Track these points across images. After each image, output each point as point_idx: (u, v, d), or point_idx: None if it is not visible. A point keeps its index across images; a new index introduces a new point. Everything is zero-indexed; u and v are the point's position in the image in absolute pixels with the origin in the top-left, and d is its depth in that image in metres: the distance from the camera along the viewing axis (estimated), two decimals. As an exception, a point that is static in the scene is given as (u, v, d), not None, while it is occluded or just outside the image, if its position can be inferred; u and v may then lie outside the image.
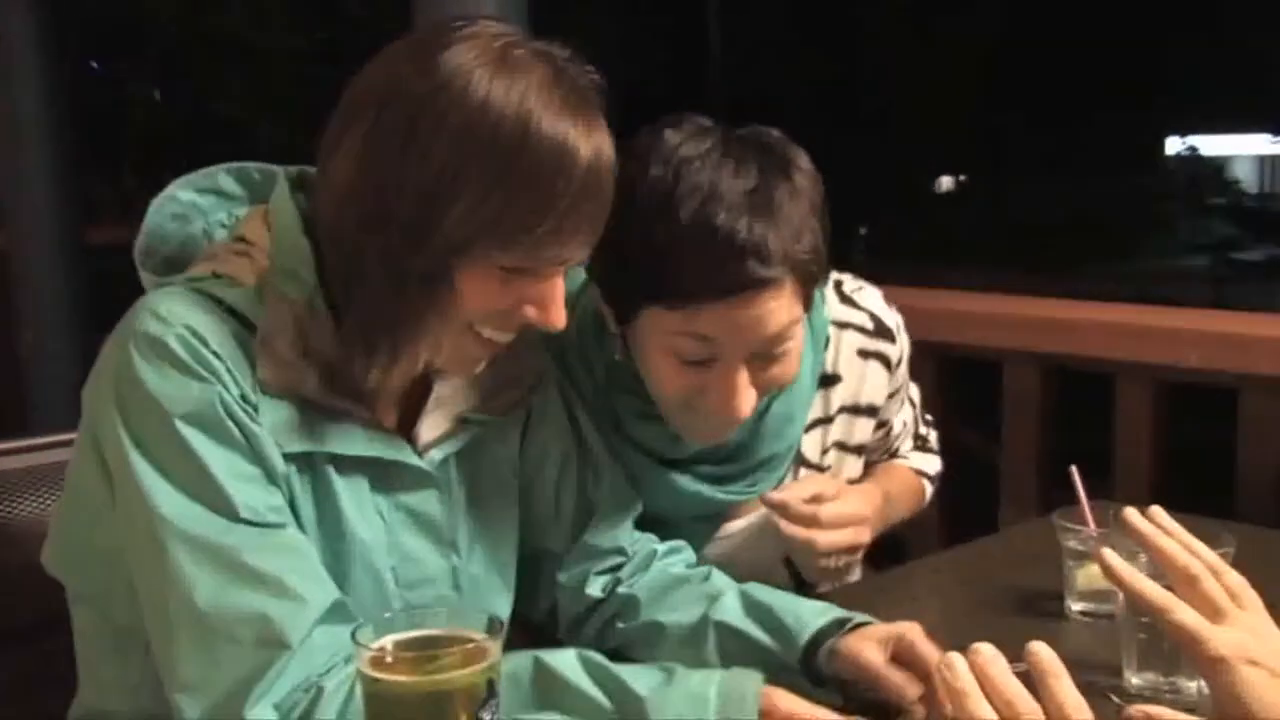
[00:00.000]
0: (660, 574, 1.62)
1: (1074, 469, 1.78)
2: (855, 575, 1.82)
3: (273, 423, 1.29)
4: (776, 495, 1.64)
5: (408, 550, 1.40)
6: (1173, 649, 1.45)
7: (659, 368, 1.56)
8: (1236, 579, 1.24)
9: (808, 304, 1.57)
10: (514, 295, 1.31)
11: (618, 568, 1.62)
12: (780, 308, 1.50)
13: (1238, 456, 2.35)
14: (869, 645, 1.41)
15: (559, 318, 1.34)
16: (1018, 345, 2.60)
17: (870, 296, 1.89)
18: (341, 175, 1.28)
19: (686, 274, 1.46)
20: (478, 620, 1.15)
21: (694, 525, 1.76)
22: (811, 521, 1.62)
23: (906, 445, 2.07)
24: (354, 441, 1.34)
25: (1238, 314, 2.51)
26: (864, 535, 1.67)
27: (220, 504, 1.24)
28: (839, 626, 1.46)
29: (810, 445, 1.82)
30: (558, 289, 1.34)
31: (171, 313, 1.26)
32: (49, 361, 4.62)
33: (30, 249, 4.94)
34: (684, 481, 1.72)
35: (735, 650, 1.48)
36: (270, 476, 1.28)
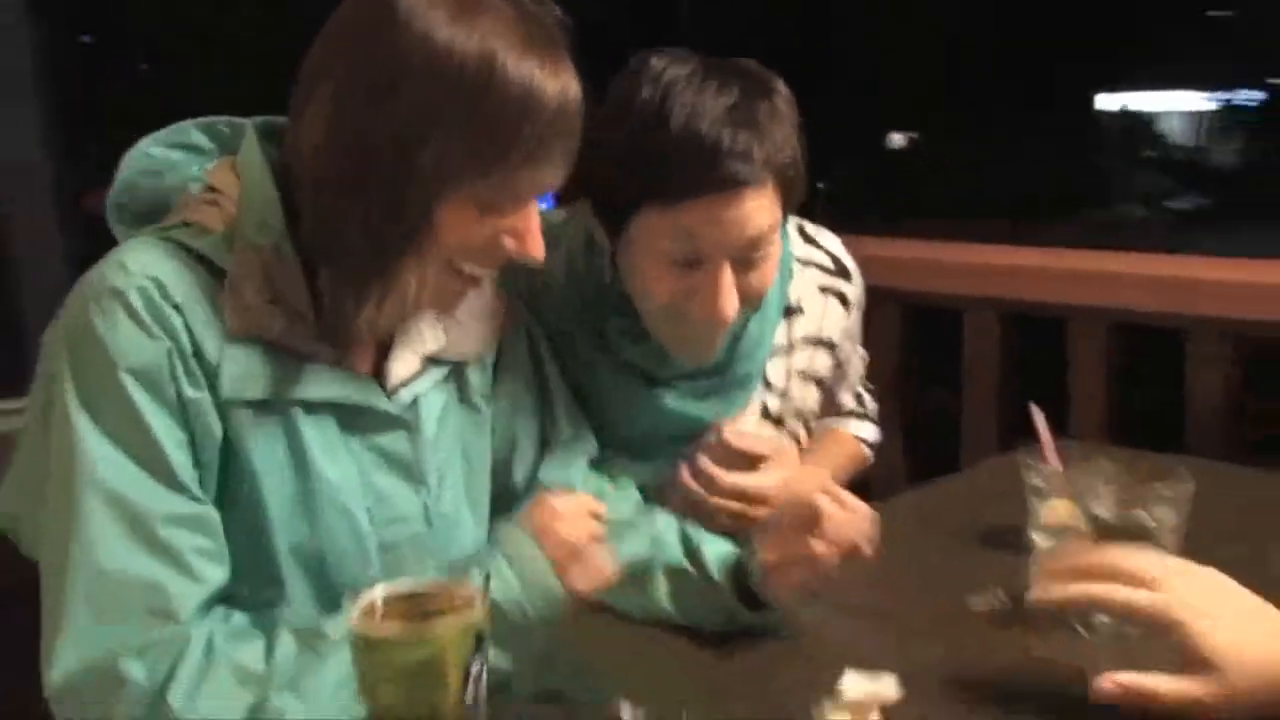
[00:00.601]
0: (610, 512, 1.55)
1: (1035, 407, 1.74)
2: None
3: (238, 371, 1.24)
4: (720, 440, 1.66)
5: (380, 490, 1.35)
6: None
7: (649, 273, 1.58)
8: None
9: (785, 212, 1.60)
10: (492, 228, 1.27)
11: None
12: (762, 209, 1.53)
13: (1187, 394, 2.33)
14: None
15: (537, 248, 1.30)
16: (977, 292, 2.57)
17: (830, 239, 1.95)
18: (315, 131, 1.24)
19: (676, 175, 1.50)
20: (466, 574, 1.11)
21: (673, 447, 1.73)
22: (709, 484, 1.66)
23: (848, 401, 2.08)
24: (322, 385, 1.29)
25: (1186, 259, 2.46)
26: (758, 513, 1.66)
27: (150, 460, 1.19)
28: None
29: (775, 371, 1.83)
30: (534, 220, 1.30)
31: (137, 263, 1.21)
32: (45, 321, 4.47)
33: (27, 212, 4.83)
34: (668, 399, 1.73)
35: (680, 589, 1.49)
36: (199, 444, 1.23)
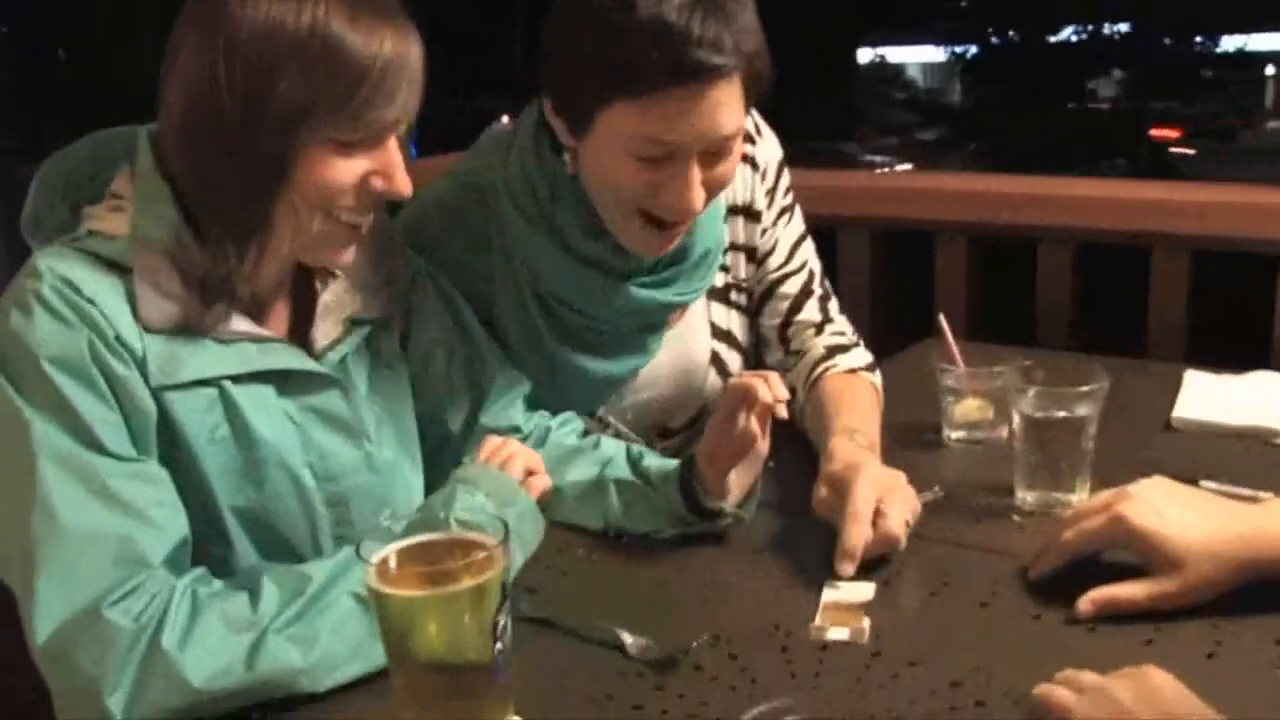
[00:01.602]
0: (555, 445, 1.43)
1: (942, 317, 1.62)
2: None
3: (162, 357, 1.09)
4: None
5: (322, 447, 1.20)
6: (1055, 469, 1.34)
7: (616, 169, 1.33)
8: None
9: (749, 104, 1.34)
10: (357, 169, 1.13)
11: None
12: (732, 99, 1.29)
13: (1150, 304, 2.20)
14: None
15: (404, 183, 1.16)
16: (945, 217, 2.34)
17: None
18: (174, 100, 1.11)
19: (645, 66, 1.24)
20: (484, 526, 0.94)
21: (640, 337, 1.53)
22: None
23: (821, 313, 1.63)
24: (249, 358, 1.16)
25: (1148, 183, 2.35)
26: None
27: (87, 438, 1.05)
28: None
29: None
30: (395, 155, 1.16)
31: (48, 268, 1.08)
32: None
33: None
34: (632, 290, 1.47)
35: (631, 500, 1.34)
36: (131, 420, 1.08)
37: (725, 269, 1.58)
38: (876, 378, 1.61)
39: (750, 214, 1.58)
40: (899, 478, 1.29)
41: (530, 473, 1.28)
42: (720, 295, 1.59)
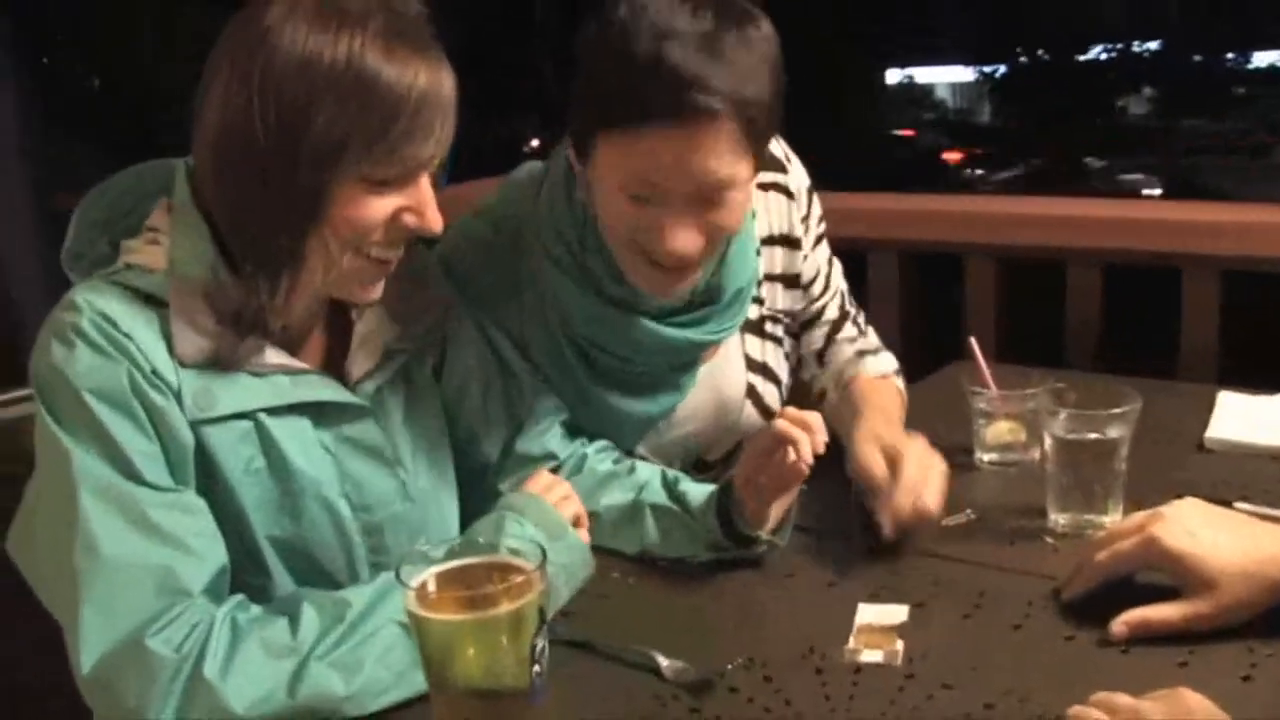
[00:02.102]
0: (591, 472, 1.44)
1: (973, 340, 1.62)
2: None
3: (197, 391, 1.10)
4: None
5: (358, 477, 1.21)
6: (1088, 491, 1.34)
7: (609, 203, 1.32)
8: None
9: (756, 160, 1.31)
10: (389, 206, 1.13)
11: (553, 471, 1.41)
12: (720, 147, 1.25)
13: (1182, 324, 2.20)
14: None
15: (435, 220, 1.16)
16: (975, 239, 2.35)
17: None
18: (209, 132, 1.12)
19: (635, 100, 1.24)
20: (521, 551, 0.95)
21: (674, 376, 1.52)
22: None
23: (849, 328, 1.68)
24: (283, 391, 1.16)
25: (1179, 203, 2.33)
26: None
27: (126, 469, 1.06)
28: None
29: None
30: (427, 193, 1.16)
31: (87, 302, 1.09)
32: (31, 311, 4.39)
33: (7, 217, 4.69)
34: (664, 330, 1.45)
35: (668, 525, 1.34)
36: (170, 451, 1.09)
37: (760, 301, 1.58)
38: (901, 383, 1.65)
39: (789, 242, 1.58)
40: (939, 458, 1.34)
41: (577, 522, 1.27)
42: (754, 328, 1.58)
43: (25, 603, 1.10)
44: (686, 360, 1.51)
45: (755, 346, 1.58)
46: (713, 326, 1.48)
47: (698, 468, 1.60)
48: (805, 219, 1.60)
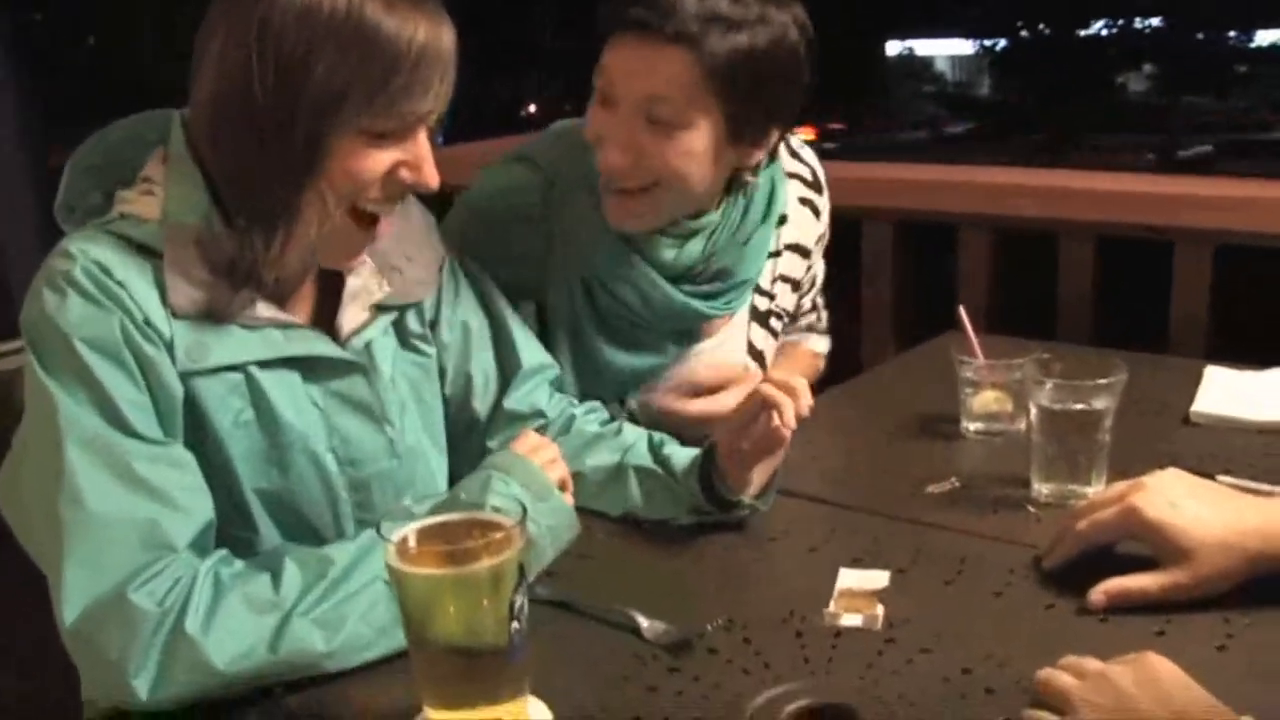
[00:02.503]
0: (578, 433, 1.44)
1: (961, 309, 1.63)
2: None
3: (189, 342, 1.10)
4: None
5: (345, 432, 1.21)
6: (1072, 461, 1.34)
7: (590, 111, 1.44)
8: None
9: (719, 124, 1.40)
10: (386, 160, 1.13)
11: (541, 430, 1.42)
12: (669, 72, 1.35)
13: (1172, 299, 2.19)
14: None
15: (432, 176, 1.16)
16: (968, 209, 2.35)
17: (810, 154, 1.75)
18: (206, 85, 1.12)
19: (606, 9, 1.39)
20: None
21: (672, 339, 1.60)
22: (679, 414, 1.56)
23: (808, 314, 1.90)
24: (275, 344, 1.16)
25: (1172, 177, 2.33)
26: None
27: (115, 420, 1.05)
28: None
29: (764, 275, 1.66)
30: (424, 148, 1.16)
31: (80, 250, 1.08)
32: (21, 262, 4.36)
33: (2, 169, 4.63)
34: (676, 294, 1.53)
35: (651, 487, 1.35)
36: (160, 402, 1.09)
37: (771, 296, 1.69)
38: (822, 363, 1.93)
39: (802, 252, 1.72)
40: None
41: (563, 486, 1.26)
42: (760, 318, 1.69)
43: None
44: (684, 327, 1.60)
45: (759, 336, 1.70)
46: (717, 303, 1.58)
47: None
48: (820, 238, 1.76)
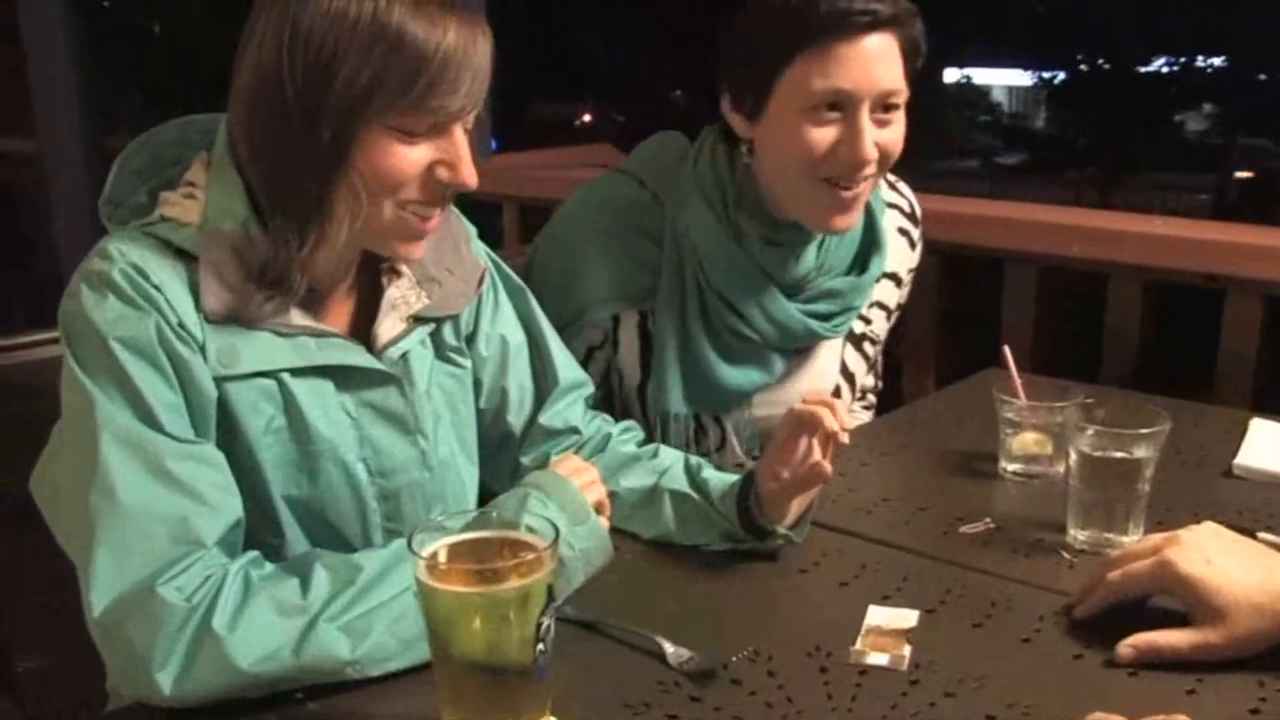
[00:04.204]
0: (614, 453, 1.44)
1: (1006, 349, 1.62)
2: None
3: (220, 346, 1.11)
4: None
5: (377, 442, 1.22)
6: (1109, 509, 1.33)
7: (794, 134, 1.49)
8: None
9: (909, 73, 1.51)
10: (420, 159, 1.14)
11: (576, 447, 1.43)
12: (892, 54, 1.47)
13: (1220, 348, 2.16)
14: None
15: (470, 175, 1.16)
16: (1016, 246, 2.35)
17: (905, 187, 1.84)
18: (243, 86, 1.13)
19: (821, 18, 1.44)
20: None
21: (773, 355, 1.65)
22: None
23: (870, 377, 1.90)
24: (308, 353, 1.17)
25: (1225, 224, 2.28)
26: None
27: (148, 419, 1.07)
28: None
29: None
30: (461, 147, 1.16)
31: (119, 252, 1.10)
32: (74, 251, 4.41)
33: (59, 153, 4.72)
34: (790, 307, 1.61)
35: (685, 512, 1.35)
36: (193, 403, 1.10)
37: (868, 321, 1.76)
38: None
39: (896, 280, 1.79)
40: None
41: (599, 509, 1.26)
42: (856, 342, 1.75)
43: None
44: (793, 346, 1.66)
45: (852, 358, 1.75)
46: (830, 324, 1.66)
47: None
48: (913, 269, 1.83)
